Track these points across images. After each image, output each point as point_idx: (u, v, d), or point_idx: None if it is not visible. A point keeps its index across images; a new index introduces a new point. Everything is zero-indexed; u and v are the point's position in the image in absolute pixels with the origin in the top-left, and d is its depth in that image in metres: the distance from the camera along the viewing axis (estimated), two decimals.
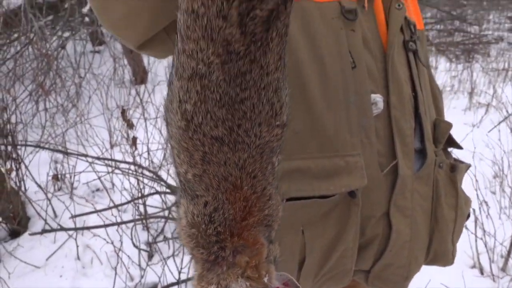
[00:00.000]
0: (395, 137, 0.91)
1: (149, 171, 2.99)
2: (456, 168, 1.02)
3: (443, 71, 7.11)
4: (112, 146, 3.27)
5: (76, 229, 2.61)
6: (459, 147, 1.13)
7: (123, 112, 2.95)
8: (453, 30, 9.75)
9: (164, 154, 3.17)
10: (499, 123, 4.19)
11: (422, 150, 0.98)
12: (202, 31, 0.43)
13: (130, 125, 2.96)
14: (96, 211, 2.68)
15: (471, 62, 7.57)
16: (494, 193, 3.59)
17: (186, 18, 0.43)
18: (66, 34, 6.17)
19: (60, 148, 3.27)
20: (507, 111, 4.32)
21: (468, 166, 1.11)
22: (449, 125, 1.06)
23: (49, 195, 2.95)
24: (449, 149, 1.15)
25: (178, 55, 0.46)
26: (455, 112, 5.41)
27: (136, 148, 2.94)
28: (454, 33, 9.35)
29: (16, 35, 5.42)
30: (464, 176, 1.09)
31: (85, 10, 6.22)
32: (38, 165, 3.39)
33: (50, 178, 3.21)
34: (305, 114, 0.84)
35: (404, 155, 0.92)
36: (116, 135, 3.53)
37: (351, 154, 0.86)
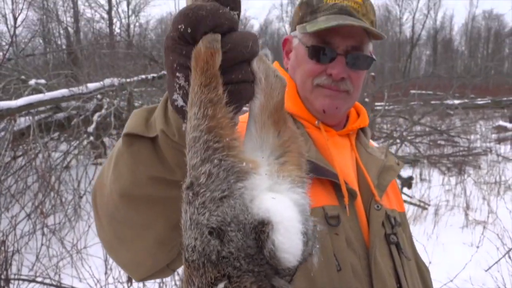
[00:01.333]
0: None
1: None
2: None
3: (436, 185, 7.26)
4: (106, 279, 3.23)
5: None
6: None
7: None
8: (443, 140, 10.17)
9: None
10: (499, 259, 4.18)
11: None
12: None
13: None
14: None
15: (463, 175, 7.77)
16: None
17: None
18: (71, 148, 6.41)
19: (53, 282, 3.20)
20: (502, 242, 4.33)
21: None
22: None
23: None
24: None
25: None
26: (453, 230, 5.42)
27: (131, 284, 2.89)
28: (444, 145, 9.72)
29: (20, 152, 5.61)
30: None
31: (90, 129, 6.49)
32: None
33: None
34: None
35: None
36: (111, 265, 3.49)
37: None
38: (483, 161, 9.01)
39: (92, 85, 5.98)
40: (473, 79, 8.95)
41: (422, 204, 6.28)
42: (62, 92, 5.46)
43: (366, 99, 8.39)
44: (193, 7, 0.55)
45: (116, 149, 0.74)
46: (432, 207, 6.23)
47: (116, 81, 6.19)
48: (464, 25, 47.53)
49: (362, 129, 1.23)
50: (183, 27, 0.56)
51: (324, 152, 1.06)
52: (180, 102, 0.59)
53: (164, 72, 6.74)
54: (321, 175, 0.97)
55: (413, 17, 42.54)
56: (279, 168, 0.54)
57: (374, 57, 1.12)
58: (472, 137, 11.00)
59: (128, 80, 6.39)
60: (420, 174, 8.02)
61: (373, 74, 10.16)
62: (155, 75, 7.13)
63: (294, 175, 0.54)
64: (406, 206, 5.97)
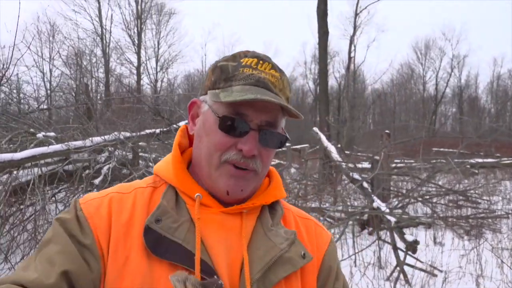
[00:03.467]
0: None
1: None
2: None
3: (450, 249, 6.85)
4: None
5: None
6: None
7: None
8: (462, 201, 9.68)
9: None
10: None
11: None
12: None
13: None
14: None
15: (479, 239, 7.31)
16: None
17: None
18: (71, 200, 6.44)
19: None
20: None
21: None
22: None
23: None
24: None
25: None
26: None
27: None
28: (462, 206, 9.26)
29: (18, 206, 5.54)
30: None
31: (97, 181, 6.55)
32: None
33: None
34: None
35: None
36: None
37: None
38: (504, 225, 8.51)
39: (97, 139, 6.12)
40: (481, 139, 8.68)
41: (432, 270, 5.90)
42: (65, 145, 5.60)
43: (376, 157, 8.22)
44: None
45: None
46: (441, 273, 5.85)
47: (121, 135, 6.33)
48: (489, 83, 47.16)
49: (273, 205, 1.07)
50: None
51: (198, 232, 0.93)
52: None
53: (169, 127, 6.87)
54: (172, 260, 0.88)
55: (436, 76, 42.63)
56: None
57: (287, 135, 1.03)
58: (494, 198, 10.48)
59: (134, 134, 6.53)
60: (434, 237, 7.62)
61: (387, 131, 10.01)
62: (163, 129, 7.25)
63: None
64: (411, 271, 5.63)
